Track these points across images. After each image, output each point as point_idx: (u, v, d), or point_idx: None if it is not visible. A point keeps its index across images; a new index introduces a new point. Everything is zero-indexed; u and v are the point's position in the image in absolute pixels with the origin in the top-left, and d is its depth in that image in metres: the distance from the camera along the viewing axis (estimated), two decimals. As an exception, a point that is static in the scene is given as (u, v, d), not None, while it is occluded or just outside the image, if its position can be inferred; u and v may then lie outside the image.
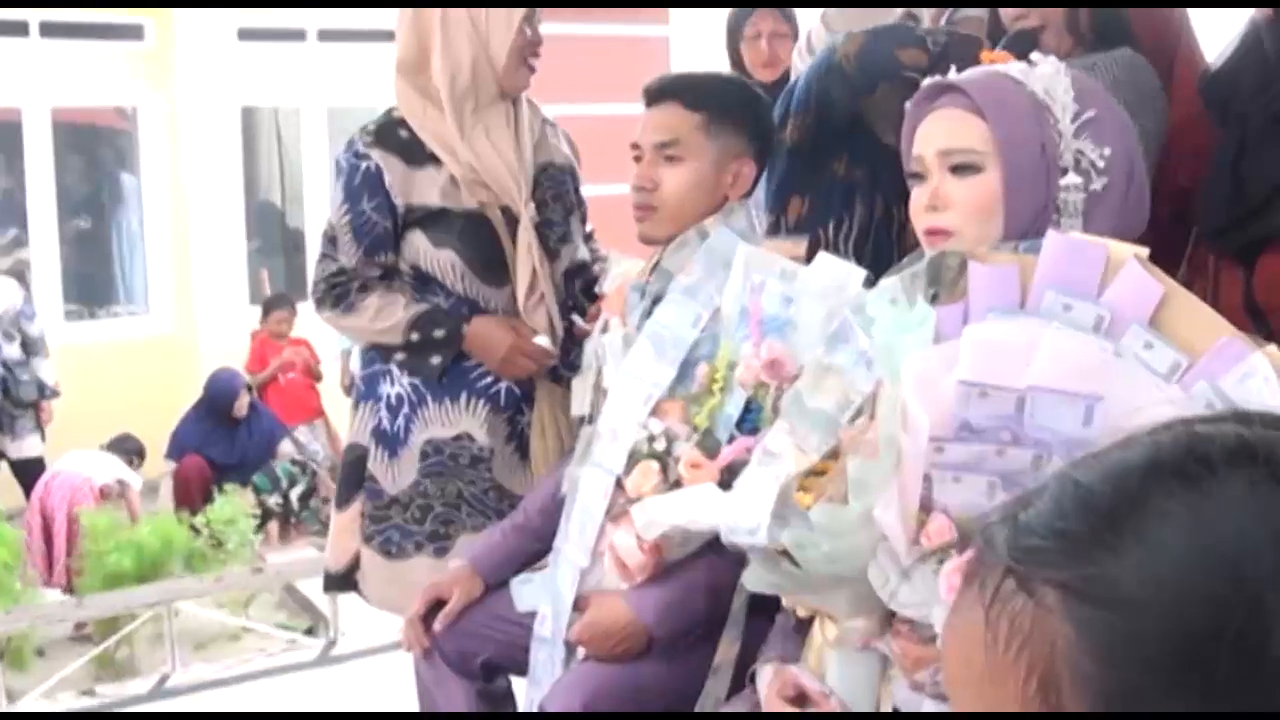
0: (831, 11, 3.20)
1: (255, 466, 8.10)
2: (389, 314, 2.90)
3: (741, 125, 2.53)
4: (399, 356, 2.93)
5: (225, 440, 8.10)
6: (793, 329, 2.13)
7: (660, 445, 2.21)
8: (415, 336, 2.90)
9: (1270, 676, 0.65)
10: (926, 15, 4.38)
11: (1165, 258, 1.71)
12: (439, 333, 2.89)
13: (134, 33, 9.11)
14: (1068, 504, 0.72)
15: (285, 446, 8.28)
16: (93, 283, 9.63)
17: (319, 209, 8.35)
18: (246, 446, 8.15)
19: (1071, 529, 0.71)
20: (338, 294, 2.94)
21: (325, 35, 9.47)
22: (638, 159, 2.53)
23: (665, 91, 2.53)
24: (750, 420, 2.16)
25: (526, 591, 2.53)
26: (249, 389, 8.26)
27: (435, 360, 2.90)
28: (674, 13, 9.80)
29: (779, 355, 2.10)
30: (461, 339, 2.89)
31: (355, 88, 8.83)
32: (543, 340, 2.92)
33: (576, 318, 3.04)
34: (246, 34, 9.18)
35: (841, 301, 2.04)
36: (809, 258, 2.24)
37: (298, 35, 9.47)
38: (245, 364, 8.70)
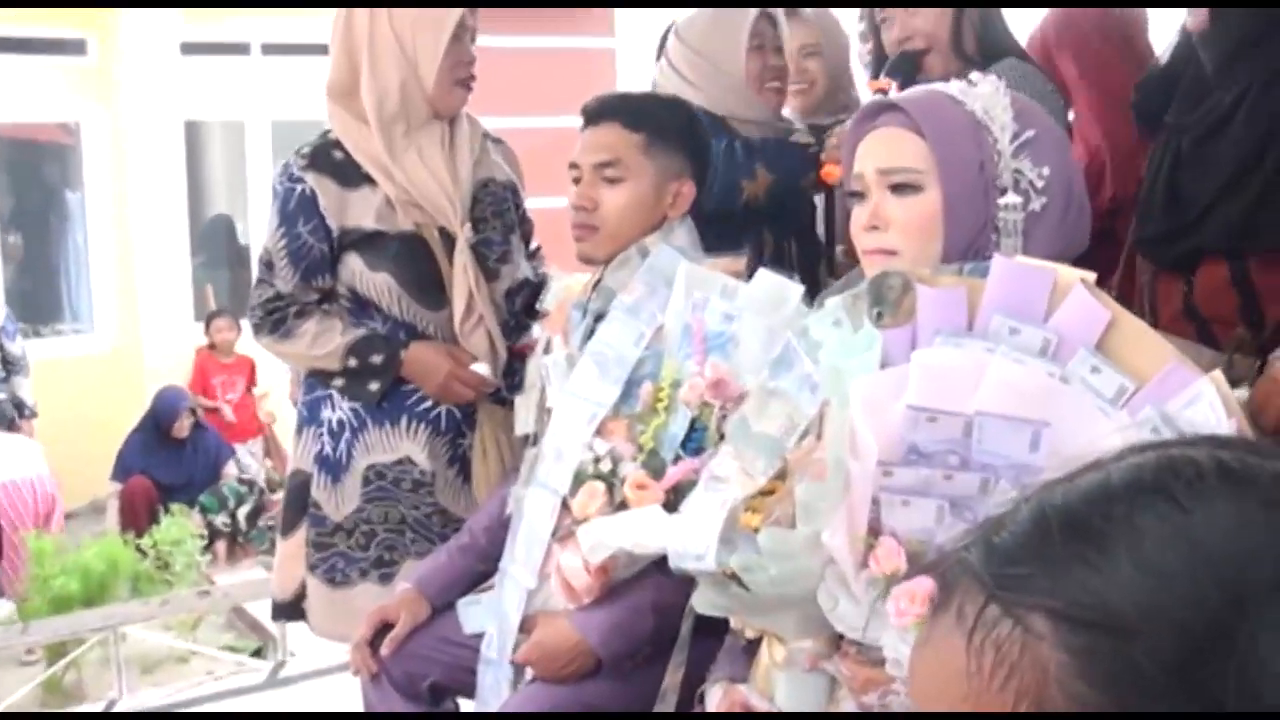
0: (683, 21, 3.16)
1: (202, 486, 8.01)
2: (326, 340, 2.87)
3: (681, 145, 2.52)
4: (337, 382, 2.90)
5: (171, 460, 8.01)
6: (735, 346, 2.12)
7: (605, 466, 2.19)
8: (353, 362, 2.87)
9: (1272, 691, 0.64)
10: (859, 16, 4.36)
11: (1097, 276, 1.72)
12: (376, 358, 2.87)
13: (77, 48, 9.02)
14: (1049, 527, 0.71)
15: (231, 467, 8.20)
16: (37, 300, 9.52)
17: (265, 223, 8.27)
18: (193, 466, 8.07)
19: (1056, 553, 0.70)
20: (275, 320, 2.91)
21: (269, 49, 9.41)
22: (577, 180, 2.51)
23: (604, 111, 2.51)
24: (695, 440, 2.15)
25: (473, 613, 2.52)
26: (192, 410, 8.17)
27: (373, 386, 2.88)
28: (620, 25, 9.79)
29: (723, 375, 2.10)
30: (399, 365, 2.87)
31: (300, 101, 8.78)
32: (481, 368, 2.89)
33: (536, 330, 3.02)
34: (190, 48, 9.10)
35: (782, 317, 2.05)
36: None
37: (242, 49, 9.40)
38: (189, 381, 8.63)
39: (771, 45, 3.12)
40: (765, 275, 2.17)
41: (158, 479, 7.93)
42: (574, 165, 2.53)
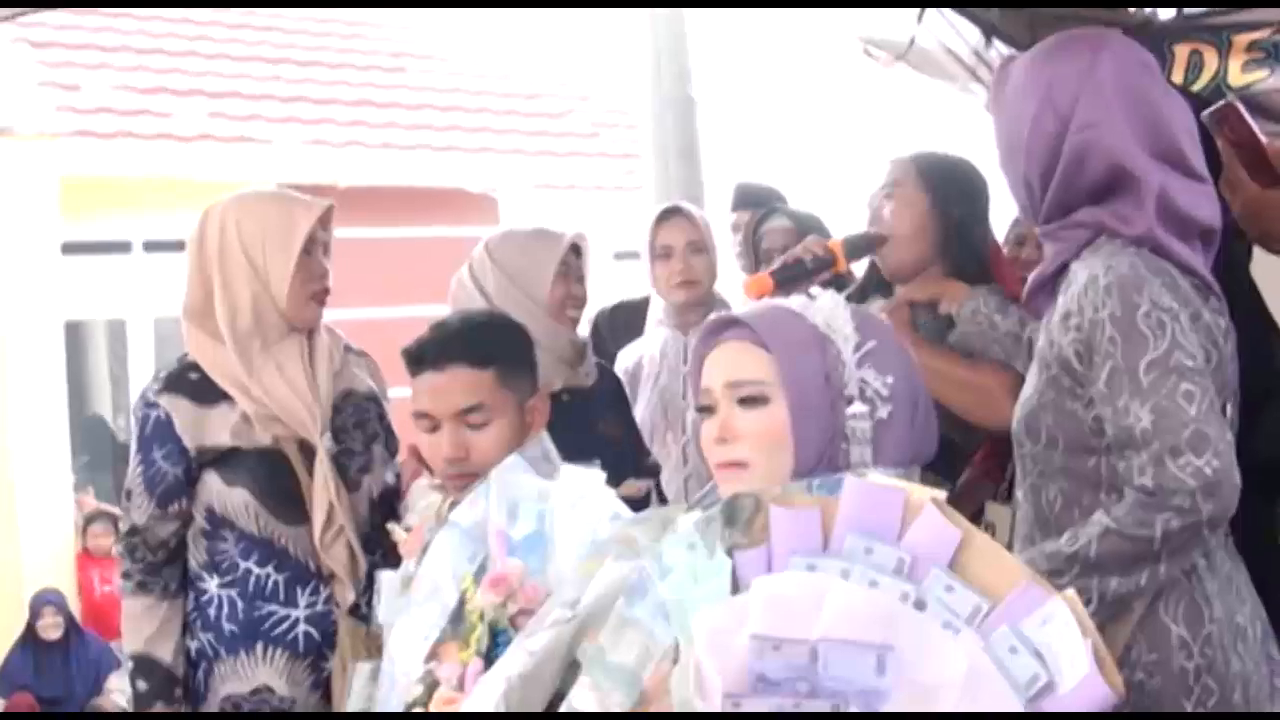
0: (496, 238, 3.18)
1: (84, 698, 7.70)
2: (137, 627, 2.87)
3: (527, 363, 2.47)
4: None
5: (52, 671, 7.69)
6: (552, 545, 2.07)
7: (418, 692, 2.09)
8: (130, 665, 2.89)
9: None
10: (738, 219, 4.47)
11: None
12: (140, 684, 2.86)
13: (-45, 250, 8.93)
14: None
15: (114, 680, 7.87)
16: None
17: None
18: (73, 676, 7.76)
19: None
20: (125, 569, 2.90)
21: (151, 246, 9.37)
22: (432, 429, 2.38)
23: (447, 354, 2.38)
24: (500, 648, 2.03)
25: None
26: (56, 609, 7.84)
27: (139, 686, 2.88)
28: (504, 214, 9.91)
29: (505, 572, 2.03)
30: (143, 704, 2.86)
31: (182, 298, 8.69)
32: None
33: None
34: (70, 248, 9.03)
35: (594, 510, 2.02)
36: None
37: (123, 247, 9.36)
38: (76, 587, 8.38)
39: (576, 274, 3.15)
40: (569, 471, 2.12)
41: (39, 693, 7.63)
42: (424, 415, 2.39)
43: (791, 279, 2.77)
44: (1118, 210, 2.14)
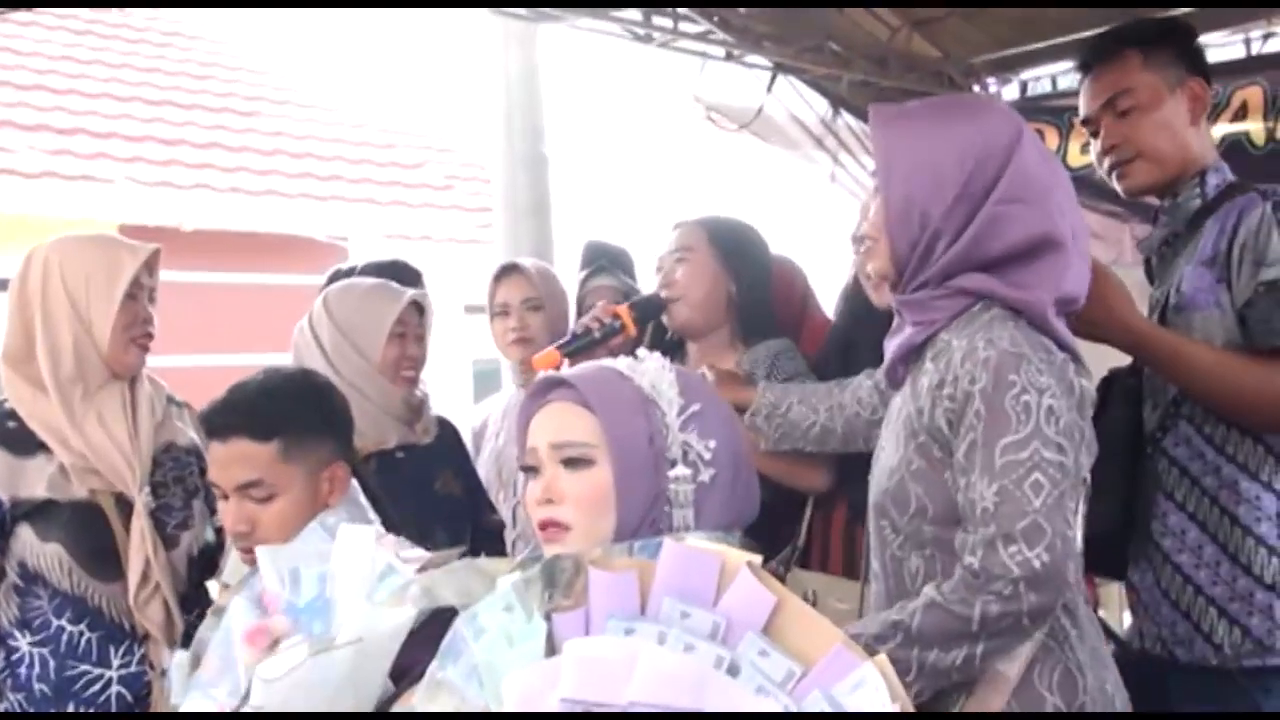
0: (336, 290, 3.14)
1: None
2: None
3: (319, 431, 2.33)
4: None
5: None
6: (334, 608, 2.00)
7: None
8: None
9: None
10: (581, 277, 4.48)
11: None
12: None
13: None
14: None
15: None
16: None
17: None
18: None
19: None
20: None
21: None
22: (223, 496, 2.30)
23: (229, 427, 2.28)
24: None
25: None
26: None
27: None
28: (354, 259, 9.79)
29: (264, 624, 1.99)
30: None
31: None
32: None
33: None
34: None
35: (364, 571, 1.98)
36: None
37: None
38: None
39: (414, 334, 3.10)
40: (346, 529, 2.06)
41: None
42: (213, 484, 2.32)
43: (580, 350, 2.83)
44: (1015, 277, 2.13)
